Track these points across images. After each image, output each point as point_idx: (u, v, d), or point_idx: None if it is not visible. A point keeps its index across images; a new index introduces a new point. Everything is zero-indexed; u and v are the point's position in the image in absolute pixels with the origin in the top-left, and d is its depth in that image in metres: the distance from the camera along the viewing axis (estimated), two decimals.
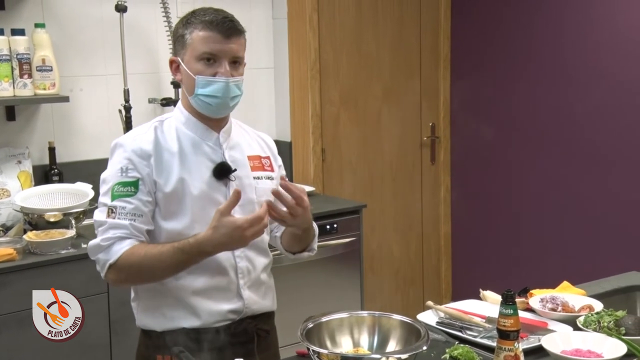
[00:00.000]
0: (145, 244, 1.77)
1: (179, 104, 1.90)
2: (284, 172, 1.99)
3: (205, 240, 1.69)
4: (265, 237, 1.95)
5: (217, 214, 1.68)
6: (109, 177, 1.79)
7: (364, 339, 1.76)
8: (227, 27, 1.77)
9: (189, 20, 1.80)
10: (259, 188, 1.88)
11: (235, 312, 1.85)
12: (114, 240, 1.73)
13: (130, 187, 1.75)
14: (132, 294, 1.90)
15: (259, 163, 1.91)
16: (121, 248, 1.72)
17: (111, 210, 1.75)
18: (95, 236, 1.77)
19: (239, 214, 1.81)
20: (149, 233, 1.80)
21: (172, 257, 1.71)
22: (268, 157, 1.96)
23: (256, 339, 1.88)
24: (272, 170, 1.95)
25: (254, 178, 1.89)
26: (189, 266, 1.74)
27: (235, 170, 1.84)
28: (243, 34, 1.82)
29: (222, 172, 1.82)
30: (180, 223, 1.79)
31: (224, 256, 1.81)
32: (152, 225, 1.79)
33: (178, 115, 1.87)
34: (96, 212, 1.79)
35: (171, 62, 1.85)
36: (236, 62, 1.81)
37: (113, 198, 1.75)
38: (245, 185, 1.85)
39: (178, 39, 1.82)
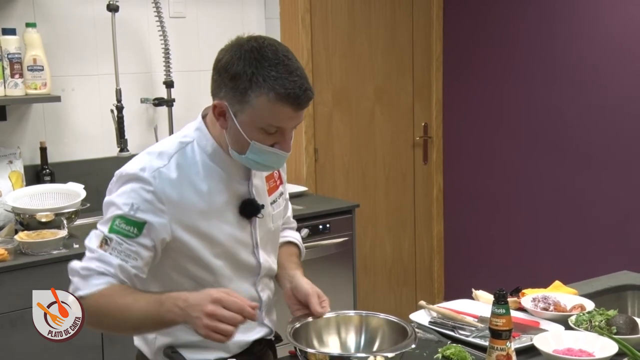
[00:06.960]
0: (125, 287, 1.56)
1: (204, 129, 1.66)
2: (284, 176, 1.88)
3: (185, 294, 1.52)
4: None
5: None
6: (116, 203, 1.58)
7: (351, 339, 1.75)
8: (304, 100, 1.52)
9: (256, 76, 1.50)
10: (275, 215, 1.80)
11: (262, 340, 1.80)
12: (94, 273, 1.54)
13: (134, 227, 1.56)
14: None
15: (273, 182, 1.81)
16: (98, 284, 1.53)
17: (105, 241, 1.56)
18: (82, 256, 1.59)
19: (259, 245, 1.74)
20: (140, 280, 1.60)
21: (145, 304, 1.52)
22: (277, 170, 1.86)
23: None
24: (281, 181, 1.86)
25: (271, 203, 1.78)
26: (155, 326, 1.56)
27: (263, 206, 1.71)
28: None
29: (250, 211, 1.69)
30: (208, 270, 1.66)
31: (246, 293, 1.70)
32: (143, 273, 1.59)
33: (203, 143, 1.64)
34: (91, 234, 1.60)
35: (215, 107, 1.57)
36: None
37: (111, 230, 1.56)
38: (266, 216, 1.75)
39: (235, 89, 1.52)
